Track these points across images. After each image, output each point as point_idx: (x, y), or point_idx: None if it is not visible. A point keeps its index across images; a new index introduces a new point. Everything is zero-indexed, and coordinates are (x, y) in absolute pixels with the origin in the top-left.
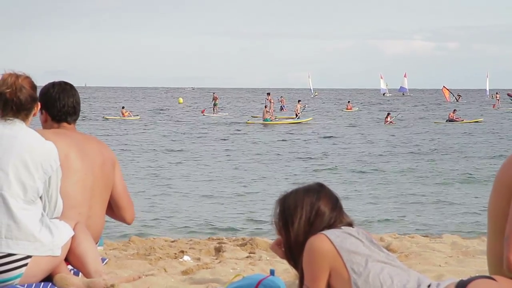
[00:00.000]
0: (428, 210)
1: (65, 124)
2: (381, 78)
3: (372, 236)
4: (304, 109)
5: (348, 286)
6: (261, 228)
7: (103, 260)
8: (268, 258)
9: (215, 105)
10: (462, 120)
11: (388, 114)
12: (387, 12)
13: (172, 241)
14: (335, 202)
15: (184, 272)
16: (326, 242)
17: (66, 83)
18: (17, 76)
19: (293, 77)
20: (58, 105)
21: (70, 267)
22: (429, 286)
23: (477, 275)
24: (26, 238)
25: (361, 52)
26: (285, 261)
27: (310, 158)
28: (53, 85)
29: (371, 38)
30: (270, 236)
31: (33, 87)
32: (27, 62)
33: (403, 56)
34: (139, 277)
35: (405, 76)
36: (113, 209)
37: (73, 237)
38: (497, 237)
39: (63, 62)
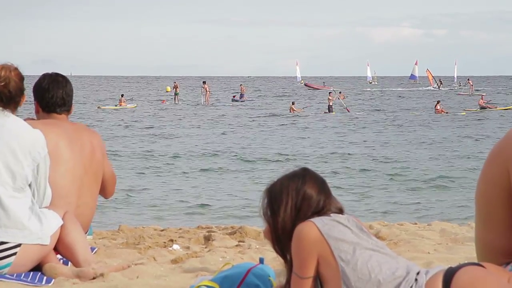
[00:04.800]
0: (422, 196)
1: (55, 115)
2: (368, 65)
3: (362, 224)
4: (339, 99)
5: (336, 274)
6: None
7: (92, 249)
8: (257, 246)
9: (176, 94)
10: (496, 107)
11: (438, 102)
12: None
13: (162, 230)
14: (321, 185)
15: (174, 261)
16: (313, 229)
17: (58, 75)
18: (9, 69)
19: (281, 65)
20: (47, 96)
21: (59, 256)
22: (418, 273)
23: (466, 262)
24: (15, 226)
25: (350, 39)
26: None
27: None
28: (45, 76)
29: (359, 25)
30: (259, 224)
31: (21, 78)
32: (16, 49)
33: (392, 43)
34: (128, 266)
35: (416, 63)
36: None
37: (62, 227)
38: (488, 225)
39: (49, 51)
